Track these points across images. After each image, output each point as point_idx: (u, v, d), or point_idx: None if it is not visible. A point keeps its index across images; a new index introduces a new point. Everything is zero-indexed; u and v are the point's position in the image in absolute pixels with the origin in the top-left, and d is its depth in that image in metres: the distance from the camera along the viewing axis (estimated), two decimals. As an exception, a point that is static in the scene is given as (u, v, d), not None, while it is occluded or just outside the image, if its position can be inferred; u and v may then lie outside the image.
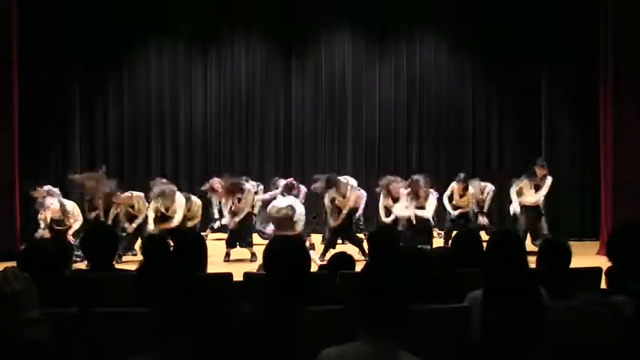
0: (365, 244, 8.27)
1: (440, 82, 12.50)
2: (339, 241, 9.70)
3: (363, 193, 9.99)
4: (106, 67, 12.04)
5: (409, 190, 9.27)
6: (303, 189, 10.17)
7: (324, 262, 5.64)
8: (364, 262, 3.16)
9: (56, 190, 9.05)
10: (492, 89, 12.33)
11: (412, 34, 12.48)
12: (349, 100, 12.59)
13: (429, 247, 8.42)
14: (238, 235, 9.43)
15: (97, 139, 12.24)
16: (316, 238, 10.18)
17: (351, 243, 9.48)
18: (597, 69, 10.04)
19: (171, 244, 4.67)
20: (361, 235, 9.84)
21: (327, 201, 9.52)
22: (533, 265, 3.92)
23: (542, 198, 9.48)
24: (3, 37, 9.47)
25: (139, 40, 12.16)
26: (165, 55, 12.40)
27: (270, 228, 8.54)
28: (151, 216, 8.95)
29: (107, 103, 12.31)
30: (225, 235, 9.79)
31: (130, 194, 9.29)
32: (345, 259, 4.61)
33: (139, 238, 8.83)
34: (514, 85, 11.93)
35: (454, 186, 10.02)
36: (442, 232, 10.31)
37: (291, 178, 9.89)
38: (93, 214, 9.21)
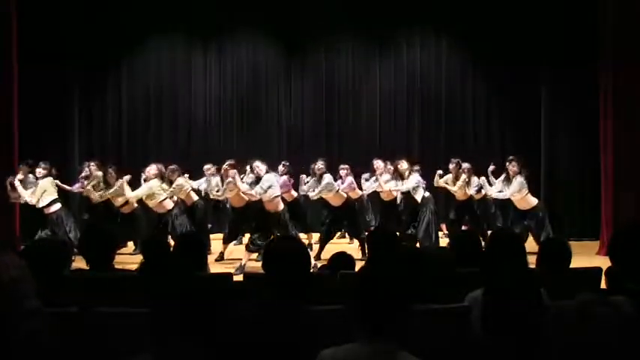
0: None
1: (440, 82, 12.51)
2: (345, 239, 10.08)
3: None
4: (106, 66, 12.05)
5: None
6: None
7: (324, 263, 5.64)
8: (364, 262, 3.16)
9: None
10: (492, 89, 12.34)
11: (412, 33, 12.51)
12: (349, 99, 12.62)
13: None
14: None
15: (96, 138, 12.25)
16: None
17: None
18: (597, 69, 10.04)
19: (172, 244, 4.67)
20: None
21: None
22: (533, 265, 3.92)
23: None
24: (3, 36, 9.45)
25: (138, 38, 12.18)
26: (164, 54, 12.41)
27: None
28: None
29: (106, 102, 12.33)
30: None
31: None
32: (345, 259, 4.61)
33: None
34: (514, 84, 11.92)
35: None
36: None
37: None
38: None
